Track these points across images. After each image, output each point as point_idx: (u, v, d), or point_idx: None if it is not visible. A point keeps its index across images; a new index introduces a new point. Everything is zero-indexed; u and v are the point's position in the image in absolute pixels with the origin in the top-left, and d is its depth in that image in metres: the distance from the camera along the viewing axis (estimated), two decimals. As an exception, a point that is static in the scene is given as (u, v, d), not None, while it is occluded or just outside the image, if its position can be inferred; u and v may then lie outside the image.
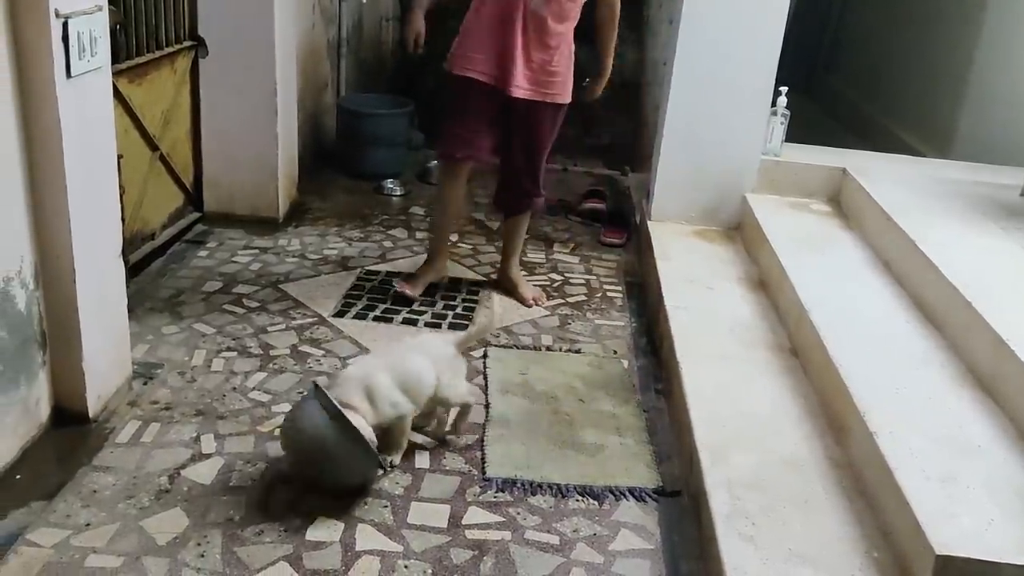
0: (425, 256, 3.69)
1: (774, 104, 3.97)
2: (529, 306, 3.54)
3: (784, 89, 3.98)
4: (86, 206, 2.38)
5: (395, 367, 2.47)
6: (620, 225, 4.37)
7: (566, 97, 3.37)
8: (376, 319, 3.33)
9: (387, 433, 2.46)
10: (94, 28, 2.34)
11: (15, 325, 2.27)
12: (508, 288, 3.64)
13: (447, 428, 2.65)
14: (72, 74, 2.25)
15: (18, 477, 2.28)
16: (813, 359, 2.78)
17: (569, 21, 3.27)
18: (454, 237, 4.06)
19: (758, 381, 2.78)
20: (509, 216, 3.65)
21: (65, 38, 2.20)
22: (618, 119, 6.13)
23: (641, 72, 6.03)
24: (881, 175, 3.88)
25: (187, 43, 3.81)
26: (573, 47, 3.35)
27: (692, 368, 2.79)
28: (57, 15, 2.17)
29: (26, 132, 2.23)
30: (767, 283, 3.44)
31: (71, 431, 2.48)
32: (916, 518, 1.96)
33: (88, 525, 2.14)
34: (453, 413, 2.67)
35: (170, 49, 3.64)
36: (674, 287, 3.36)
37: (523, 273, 3.76)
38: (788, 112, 4.02)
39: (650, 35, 5.96)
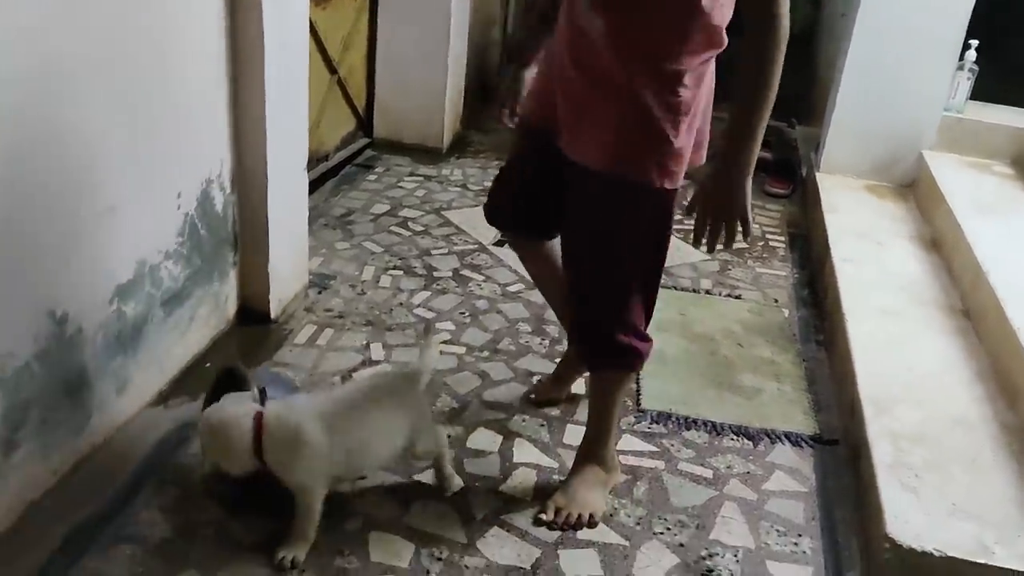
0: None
1: (962, 58, 3.78)
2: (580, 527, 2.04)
3: (974, 43, 3.78)
4: (280, 118, 2.51)
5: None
6: (786, 175, 4.27)
7: (643, 173, 1.82)
8: (536, 251, 3.38)
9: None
10: (299, -53, 2.44)
11: (213, 225, 2.42)
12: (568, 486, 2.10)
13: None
14: (276, -10, 2.36)
15: (208, 365, 2.45)
16: (988, 321, 2.67)
17: (649, 32, 1.75)
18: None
19: (927, 339, 2.70)
20: (590, 369, 2.20)
21: (275, -45, 2.32)
22: (787, 72, 5.96)
23: (816, 25, 5.82)
24: (1074, 139, 3.66)
25: (370, -29, 3.92)
26: (682, 85, 1.79)
27: (857, 321, 2.73)
28: (268, -69, 2.28)
29: (232, 44, 2.36)
30: (941, 243, 3.31)
31: (254, 329, 2.65)
32: (1094, 486, 1.89)
33: (269, 415, 2.29)
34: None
35: (354, -24, 3.76)
36: (842, 240, 3.27)
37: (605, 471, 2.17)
38: (976, 67, 3.82)
39: (828, -15, 5.73)
